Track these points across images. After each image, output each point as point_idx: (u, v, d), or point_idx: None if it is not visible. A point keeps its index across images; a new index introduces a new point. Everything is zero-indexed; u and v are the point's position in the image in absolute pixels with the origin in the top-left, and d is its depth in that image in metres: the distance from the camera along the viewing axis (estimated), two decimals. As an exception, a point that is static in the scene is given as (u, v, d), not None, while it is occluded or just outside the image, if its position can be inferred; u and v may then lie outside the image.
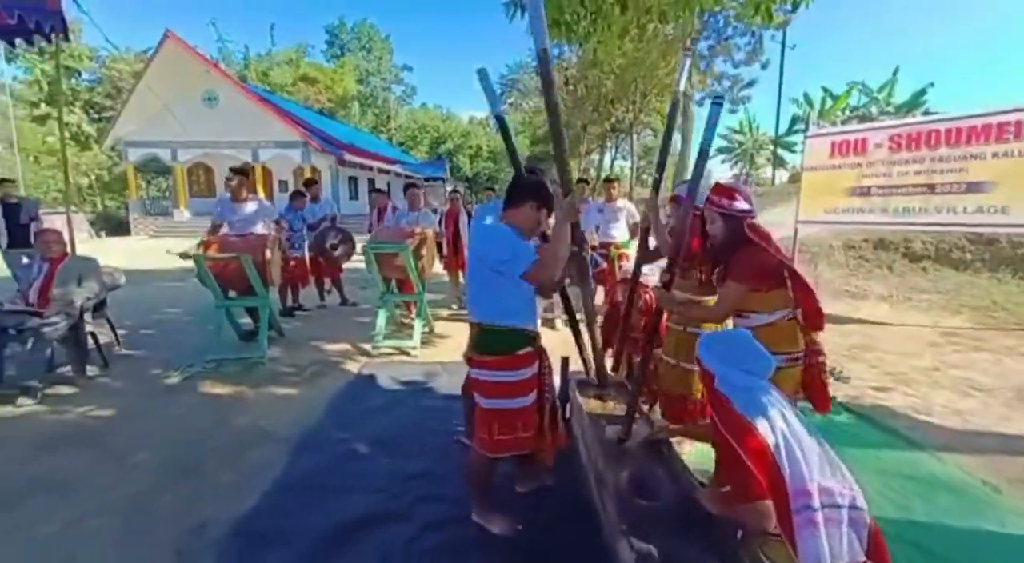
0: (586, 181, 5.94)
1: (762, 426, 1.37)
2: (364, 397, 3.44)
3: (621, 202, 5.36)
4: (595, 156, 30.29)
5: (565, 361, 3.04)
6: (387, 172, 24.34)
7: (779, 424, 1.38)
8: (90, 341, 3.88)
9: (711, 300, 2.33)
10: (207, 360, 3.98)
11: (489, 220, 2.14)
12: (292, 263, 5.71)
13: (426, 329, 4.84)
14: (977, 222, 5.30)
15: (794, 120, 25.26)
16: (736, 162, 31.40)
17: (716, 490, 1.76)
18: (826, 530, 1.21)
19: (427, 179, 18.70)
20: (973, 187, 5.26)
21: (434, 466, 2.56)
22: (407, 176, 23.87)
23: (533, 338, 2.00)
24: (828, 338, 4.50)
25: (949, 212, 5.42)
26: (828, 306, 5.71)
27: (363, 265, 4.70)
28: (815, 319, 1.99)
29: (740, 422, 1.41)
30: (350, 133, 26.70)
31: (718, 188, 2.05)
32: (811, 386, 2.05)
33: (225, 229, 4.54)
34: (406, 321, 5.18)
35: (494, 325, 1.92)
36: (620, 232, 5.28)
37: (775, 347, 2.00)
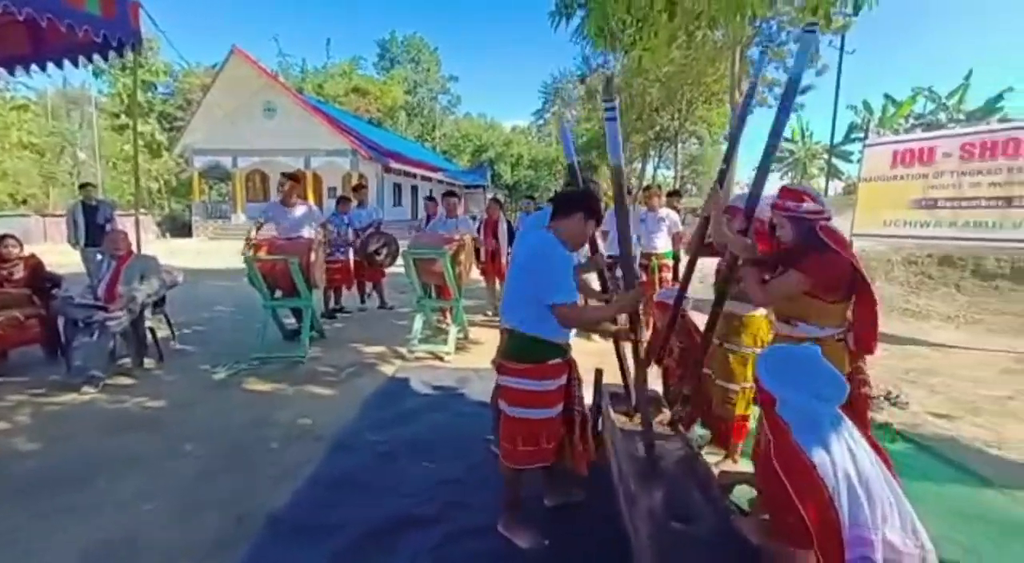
0: (628, 191, 5.82)
1: (821, 460, 1.23)
2: (398, 400, 3.49)
3: (663, 211, 5.23)
4: (637, 164, 29.86)
5: (599, 373, 2.98)
6: (430, 180, 24.92)
7: (844, 460, 1.22)
8: (148, 336, 4.14)
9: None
10: (252, 358, 4.17)
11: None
12: (336, 266, 5.92)
13: (461, 335, 4.88)
14: (1062, 239, 4.84)
15: (851, 128, 23.98)
16: (787, 172, 30.08)
17: (758, 519, 1.65)
18: None
19: (468, 186, 18.98)
20: (1058, 201, 4.81)
21: (465, 473, 2.55)
22: (449, 183, 24.33)
23: (564, 349, 1.96)
24: (884, 360, 4.20)
25: (1029, 228, 4.98)
26: (886, 326, 5.35)
27: (403, 270, 4.81)
28: (868, 341, 1.85)
29: (796, 454, 1.28)
30: (396, 141, 27.55)
31: (784, 191, 1.93)
32: (857, 422, 1.90)
33: (272, 230, 4.75)
34: (442, 326, 5.24)
35: (525, 333, 1.91)
36: (663, 242, 5.15)
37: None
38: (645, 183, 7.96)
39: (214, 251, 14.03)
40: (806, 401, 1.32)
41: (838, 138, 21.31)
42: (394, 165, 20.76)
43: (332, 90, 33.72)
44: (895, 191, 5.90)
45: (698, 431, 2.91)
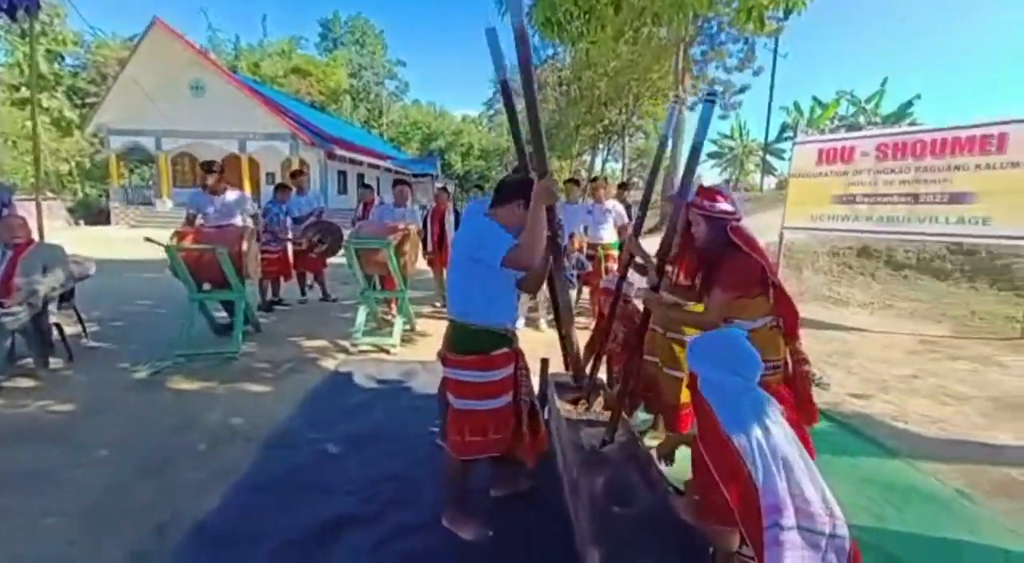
0: (576, 182, 5.90)
1: (738, 435, 1.31)
2: (339, 395, 3.35)
3: (609, 203, 5.34)
4: (587, 157, 30.37)
5: (545, 363, 3.00)
6: (377, 167, 24.13)
7: (757, 433, 1.30)
8: (54, 332, 3.74)
9: (696, 306, 2.27)
10: (177, 354, 3.86)
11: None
12: (274, 256, 5.61)
13: (407, 327, 4.76)
14: (960, 233, 5.37)
15: (783, 128, 25.55)
16: (726, 167, 31.67)
17: (692, 498, 1.72)
18: (800, 554, 1.14)
19: (416, 175, 18.56)
20: (956, 198, 5.33)
21: (408, 469, 2.49)
22: (397, 172, 23.69)
23: (510, 338, 1.94)
24: (809, 345, 4.50)
25: (932, 222, 5.49)
26: (811, 312, 5.78)
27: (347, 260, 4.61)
28: (793, 327, 1.97)
29: (719, 436, 1.34)
30: (340, 127, 26.43)
31: (702, 190, 2.01)
32: (799, 396, 2.02)
33: (201, 221, 4.42)
34: (387, 318, 5.09)
35: (471, 323, 1.87)
36: (608, 233, 5.25)
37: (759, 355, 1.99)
38: (593, 175, 8.06)
39: (135, 240, 12.89)
40: (725, 378, 1.37)
41: (772, 137, 22.65)
42: (338, 152, 19.92)
43: (270, 70, 31.81)
44: (820, 187, 6.33)
45: (640, 416, 3.00)
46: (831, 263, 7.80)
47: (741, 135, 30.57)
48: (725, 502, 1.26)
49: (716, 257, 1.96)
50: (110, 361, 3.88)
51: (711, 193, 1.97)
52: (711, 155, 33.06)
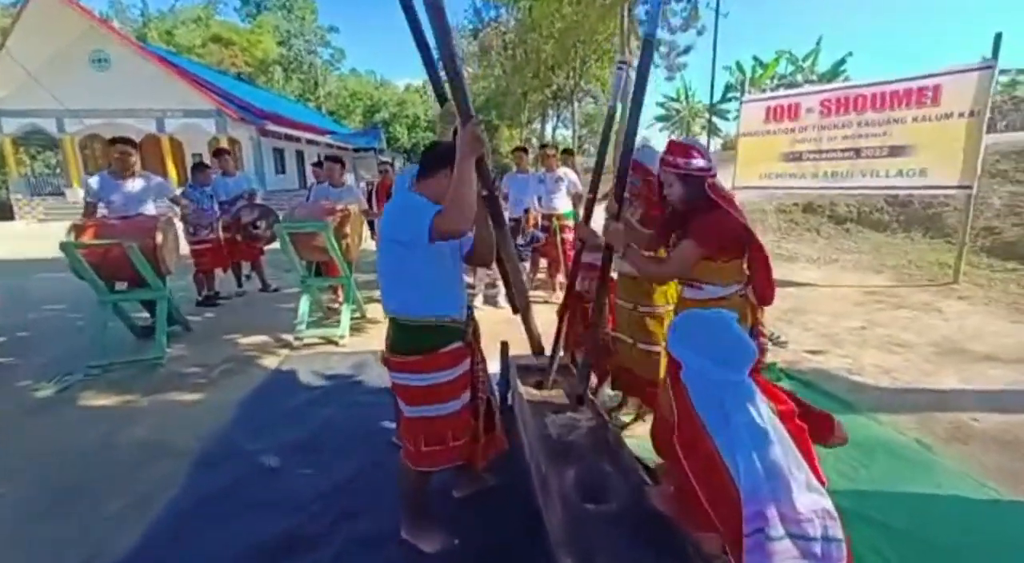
0: (525, 150, 5.63)
1: (720, 434, 1.16)
2: (282, 397, 3.05)
3: (561, 171, 5.13)
4: (536, 125, 29.88)
5: (504, 346, 2.81)
6: (317, 143, 22.71)
7: (745, 434, 1.15)
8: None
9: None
10: (90, 366, 3.40)
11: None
12: (204, 247, 5.07)
13: (356, 315, 4.44)
14: (899, 185, 5.54)
15: (727, 88, 25.94)
16: (673, 130, 32.04)
17: (667, 488, 1.60)
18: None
19: (358, 150, 17.58)
20: (895, 151, 5.46)
21: (361, 474, 2.26)
22: (340, 147, 22.43)
23: (461, 329, 1.72)
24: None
25: (873, 176, 5.63)
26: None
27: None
28: (767, 292, 1.85)
29: (694, 425, 1.20)
30: (273, 101, 24.55)
31: (672, 146, 1.81)
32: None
33: (103, 211, 3.86)
34: (334, 307, 4.74)
35: (412, 318, 1.63)
36: (562, 202, 5.06)
37: None
38: (543, 143, 7.74)
39: (45, 236, 11.58)
40: (710, 368, 1.22)
41: (716, 97, 22.93)
42: (272, 127, 18.51)
43: (185, 39, 28.96)
44: (768, 145, 6.36)
45: (608, 392, 2.90)
46: (779, 220, 8.00)
47: (687, 97, 30.87)
48: (699, 505, 1.13)
49: (693, 215, 1.78)
50: (9, 379, 3.38)
51: (684, 148, 1.78)
52: (658, 118, 33.32)
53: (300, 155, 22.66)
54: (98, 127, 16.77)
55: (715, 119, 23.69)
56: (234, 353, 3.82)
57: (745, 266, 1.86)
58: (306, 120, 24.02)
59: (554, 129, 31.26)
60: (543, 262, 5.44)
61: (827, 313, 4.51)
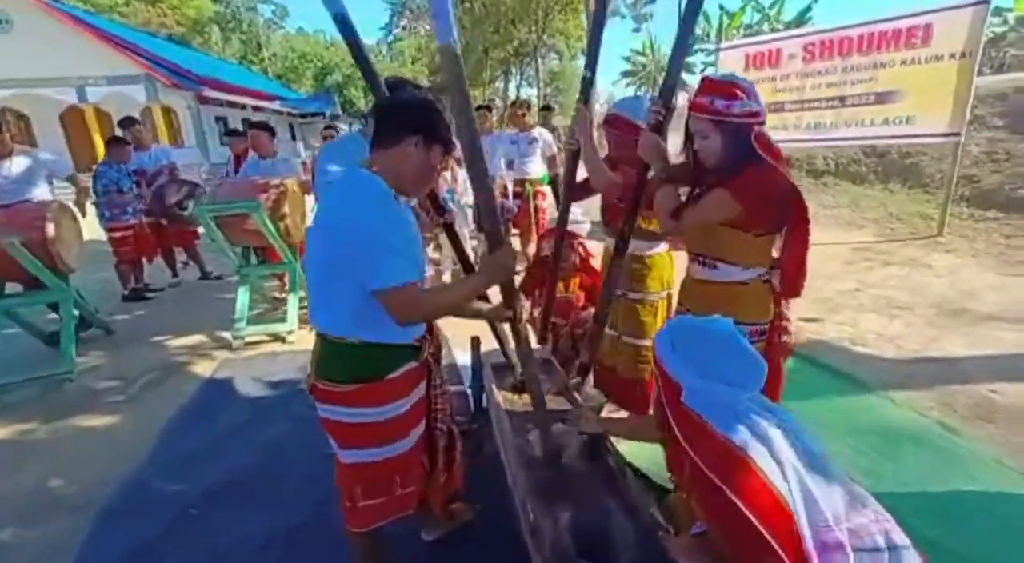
0: (489, 108, 5.05)
1: (762, 458, 0.91)
2: (215, 414, 2.57)
3: (536, 131, 4.61)
4: (499, 84, 28.61)
5: (476, 342, 2.40)
6: (263, 110, 20.95)
7: (786, 454, 0.93)
8: None
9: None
10: (-26, 390, 2.83)
11: (334, 168, 1.37)
12: (125, 234, 4.39)
13: (304, 305, 3.92)
14: (884, 135, 5.25)
15: (694, 39, 25.18)
16: (640, 85, 31.24)
17: (691, 538, 1.24)
18: None
19: (304, 116, 16.29)
20: (882, 98, 5.14)
21: (310, 515, 1.85)
22: (289, 114, 20.90)
23: (415, 348, 1.28)
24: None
25: (858, 125, 5.32)
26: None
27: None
28: (796, 282, 1.45)
29: (727, 452, 0.94)
30: (212, 64, 22.42)
31: (709, 85, 1.35)
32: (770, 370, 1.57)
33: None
34: (281, 297, 4.19)
35: (348, 340, 1.18)
36: (536, 166, 4.57)
37: (743, 315, 1.48)
38: (512, 99, 6.98)
39: (-44, 226, 10.31)
40: (719, 389, 1.01)
41: (683, 49, 22.16)
42: (212, 93, 16.89)
43: (105, -4, 25.91)
44: (763, 93, 5.94)
45: (589, 391, 2.54)
46: (756, 177, 7.70)
47: (652, 50, 29.97)
48: (760, 536, 0.86)
49: (734, 174, 1.34)
50: None
51: (725, 87, 1.31)
52: (624, 73, 32.39)
53: (246, 123, 20.98)
54: (7, 99, 14.91)
55: (683, 74, 23.11)
56: (162, 359, 3.27)
57: (775, 249, 1.46)
58: (251, 85, 22.10)
59: (518, 88, 29.99)
60: (514, 231, 4.94)
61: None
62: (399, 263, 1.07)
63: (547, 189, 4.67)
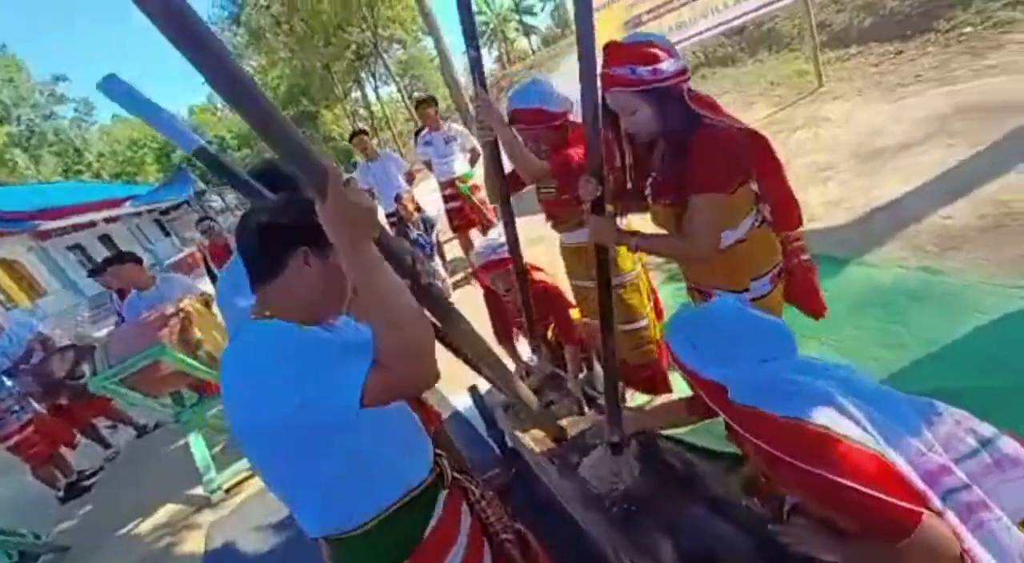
0: (365, 132, 4.65)
1: (835, 422, 0.85)
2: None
3: (448, 127, 4.29)
4: (356, 94, 27.27)
5: (474, 391, 2.19)
6: (116, 219, 18.65)
7: (850, 405, 0.88)
8: None
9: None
10: None
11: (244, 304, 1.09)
12: (22, 435, 3.66)
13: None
14: (739, 13, 5.34)
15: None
16: (489, 44, 30.81)
17: (805, 524, 1.11)
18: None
19: (166, 211, 14.65)
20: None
21: None
22: (150, 211, 18.86)
23: (436, 486, 1.04)
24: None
25: (714, 13, 5.39)
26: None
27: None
28: (789, 214, 1.35)
29: (800, 431, 0.86)
30: (34, 193, 19.54)
31: (623, 51, 1.16)
32: (802, 292, 1.48)
33: None
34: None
35: (353, 531, 0.92)
36: (460, 163, 4.28)
37: (756, 268, 1.39)
38: (417, 97, 6.19)
39: None
40: (759, 371, 0.96)
41: (513, -5, 21.93)
42: (50, 224, 14.79)
43: None
44: (608, 20, 5.87)
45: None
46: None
47: (488, 6, 29.51)
48: (884, 501, 0.79)
49: (680, 144, 1.20)
50: None
51: (641, 51, 1.13)
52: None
53: (107, 239, 18.68)
54: None
55: (525, 18, 23.00)
56: (141, 554, 2.78)
57: (754, 186, 1.34)
58: (91, 196, 19.55)
59: (376, 90, 28.65)
60: (473, 231, 4.55)
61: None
62: (346, 376, 0.77)
63: (477, 181, 4.34)
